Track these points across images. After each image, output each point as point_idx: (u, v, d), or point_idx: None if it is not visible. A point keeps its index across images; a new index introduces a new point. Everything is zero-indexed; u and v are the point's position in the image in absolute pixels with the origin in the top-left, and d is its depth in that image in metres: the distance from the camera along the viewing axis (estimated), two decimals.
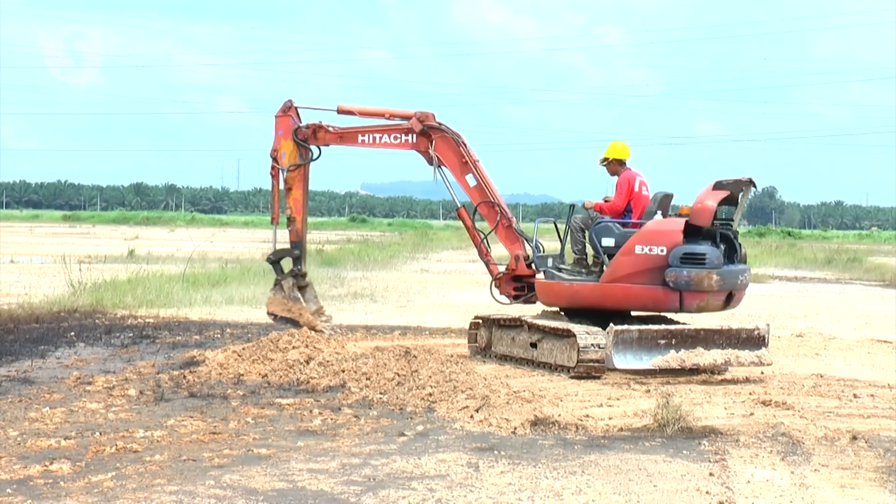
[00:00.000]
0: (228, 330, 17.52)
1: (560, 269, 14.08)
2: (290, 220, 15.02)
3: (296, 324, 14.83)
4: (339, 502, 7.49)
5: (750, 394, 12.01)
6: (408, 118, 14.72)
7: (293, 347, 13.65)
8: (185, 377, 12.52)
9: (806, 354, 15.83)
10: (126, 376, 12.68)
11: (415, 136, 14.67)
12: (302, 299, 14.95)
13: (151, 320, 18.75)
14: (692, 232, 13.19)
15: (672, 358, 12.75)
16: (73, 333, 16.57)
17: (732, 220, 13.88)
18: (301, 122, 15.03)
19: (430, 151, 14.61)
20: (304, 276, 15.17)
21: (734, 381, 13.09)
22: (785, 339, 17.44)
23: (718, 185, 13.35)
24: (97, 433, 9.54)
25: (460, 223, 15.53)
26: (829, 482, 8.26)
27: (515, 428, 9.91)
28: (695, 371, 13.25)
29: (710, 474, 8.38)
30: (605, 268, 13.48)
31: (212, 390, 11.85)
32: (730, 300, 13.46)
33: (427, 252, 48.40)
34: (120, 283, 22.99)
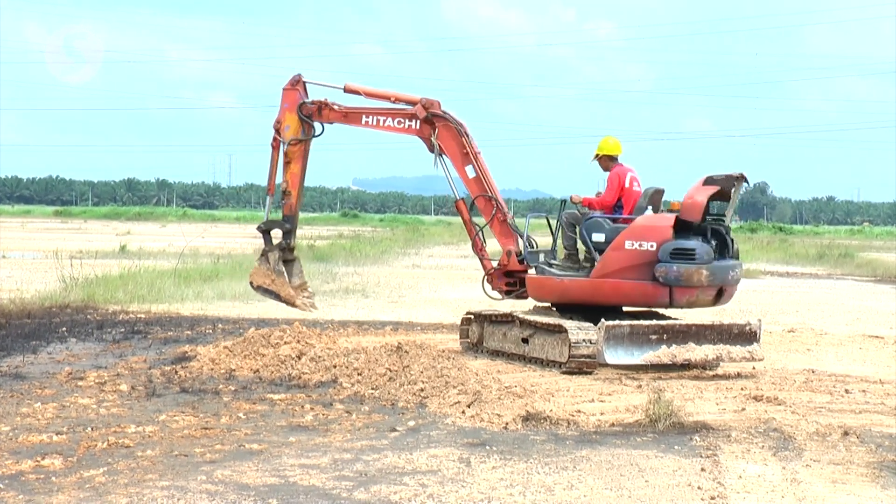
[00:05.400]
0: (220, 325, 17.51)
1: (551, 265, 14.07)
2: (286, 194, 14.91)
3: (277, 296, 14.87)
4: (330, 497, 7.49)
5: (742, 389, 12.02)
6: (413, 103, 14.60)
7: (285, 343, 13.65)
8: (176, 372, 12.51)
9: (798, 350, 15.85)
10: (118, 371, 12.67)
11: (418, 122, 14.52)
12: (286, 274, 14.86)
13: (143, 316, 18.74)
14: (683, 227, 13.18)
15: (663, 353, 12.76)
16: (64, 329, 16.55)
17: (724, 216, 13.86)
18: (308, 97, 14.91)
19: (433, 139, 14.51)
20: (291, 250, 15.10)
21: (726, 377, 13.11)
22: (777, 334, 17.47)
23: (709, 181, 13.35)
24: (89, 428, 9.53)
25: (452, 218, 15.45)
26: (821, 477, 8.27)
27: (507, 423, 9.91)
28: (686, 366, 13.28)
29: (702, 469, 8.39)
30: (595, 263, 13.47)
31: (203, 385, 11.84)
32: (720, 296, 13.42)
33: (418, 247, 48.40)
34: (112, 279, 22.96)
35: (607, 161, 14.29)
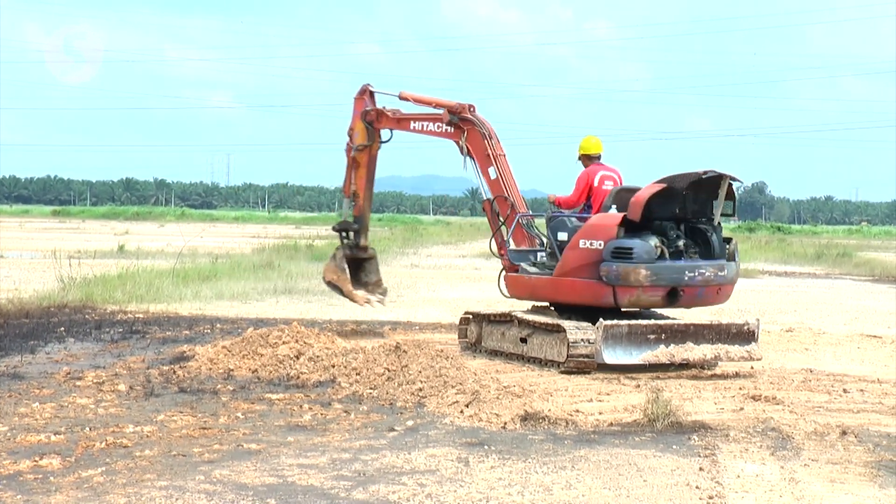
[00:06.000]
0: (218, 325, 17.50)
1: (534, 264, 14.18)
2: (355, 196, 16.20)
3: (340, 291, 16.11)
4: (329, 497, 7.49)
5: (740, 388, 12.03)
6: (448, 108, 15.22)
7: (283, 343, 13.63)
8: (174, 372, 12.50)
9: (796, 349, 15.86)
10: (116, 371, 12.66)
11: (451, 126, 15.15)
12: (348, 271, 15.96)
13: (141, 315, 18.72)
14: (637, 227, 13.04)
15: (661, 353, 12.77)
16: (62, 329, 16.54)
17: (713, 215, 13.70)
18: (374, 105, 16.03)
19: (461, 142, 15.07)
20: (365, 248, 16.38)
21: (724, 376, 13.12)
22: (775, 333, 17.47)
23: (662, 180, 13.21)
24: (87, 428, 9.52)
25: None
26: (819, 477, 8.27)
27: (505, 423, 9.91)
28: (685, 366, 13.28)
29: (700, 469, 8.40)
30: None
31: (202, 385, 11.83)
32: (674, 297, 13.06)
33: (417, 247, 48.42)
34: (110, 279, 22.94)
35: (585, 160, 14.40)
